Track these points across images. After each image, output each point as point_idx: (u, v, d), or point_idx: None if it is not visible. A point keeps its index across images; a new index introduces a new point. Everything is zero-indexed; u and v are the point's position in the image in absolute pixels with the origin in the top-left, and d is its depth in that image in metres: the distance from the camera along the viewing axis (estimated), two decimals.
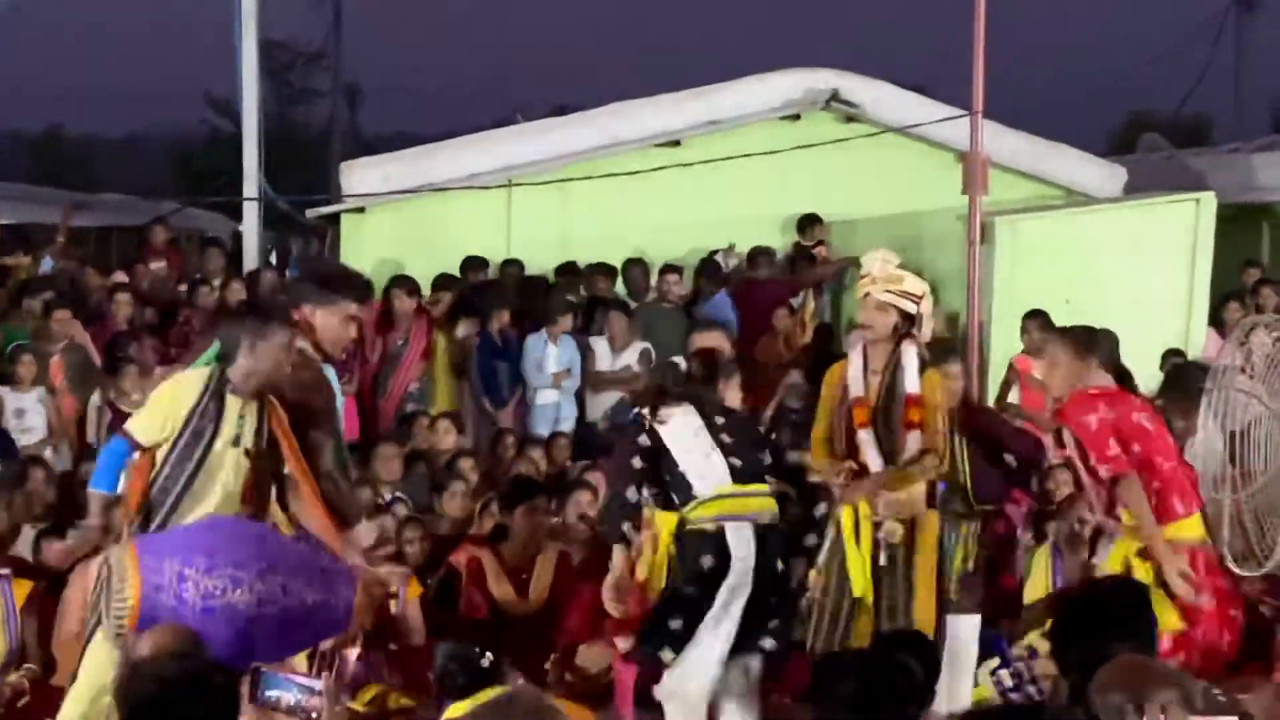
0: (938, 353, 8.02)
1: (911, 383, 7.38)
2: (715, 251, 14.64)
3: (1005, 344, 12.87)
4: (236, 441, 6.60)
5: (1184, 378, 7.44)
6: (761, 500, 7.11)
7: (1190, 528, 6.79)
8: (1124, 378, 7.10)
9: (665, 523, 7.12)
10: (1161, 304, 13.57)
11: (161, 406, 6.65)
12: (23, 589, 8.34)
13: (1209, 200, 14.09)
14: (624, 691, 7.65)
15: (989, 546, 8.23)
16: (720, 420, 7.19)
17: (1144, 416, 6.77)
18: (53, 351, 11.83)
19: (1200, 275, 13.95)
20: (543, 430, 12.56)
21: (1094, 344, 7.15)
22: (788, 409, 12.17)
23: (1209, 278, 14.02)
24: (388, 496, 10.11)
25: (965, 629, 7.82)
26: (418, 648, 8.52)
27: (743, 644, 6.92)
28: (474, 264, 14.13)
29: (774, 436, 8.56)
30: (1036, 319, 12.11)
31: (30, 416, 11.51)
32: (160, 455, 6.58)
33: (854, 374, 7.51)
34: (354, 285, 7.41)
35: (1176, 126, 33.49)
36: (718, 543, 6.95)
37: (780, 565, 7.11)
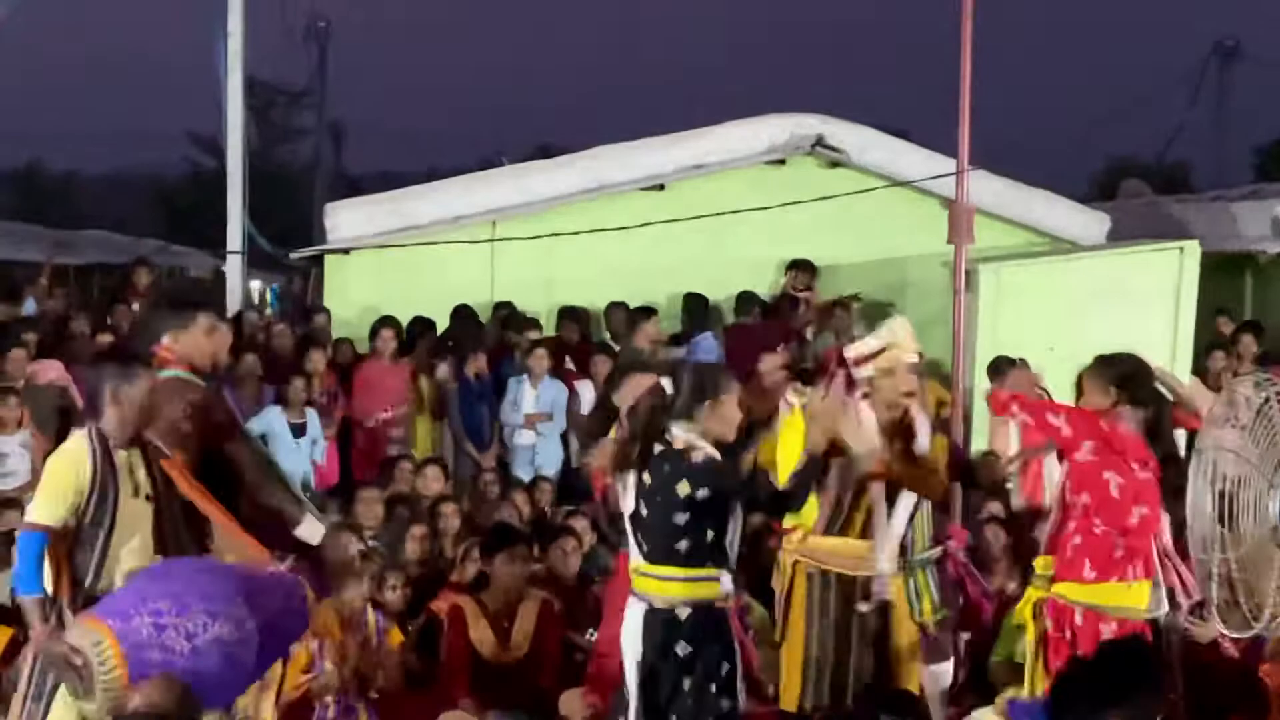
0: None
1: (925, 445, 7.41)
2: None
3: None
4: (136, 491, 6.60)
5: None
6: (666, 584, 6.67)
7: (1096, 594, 6.86)
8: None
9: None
10: (1145, 352, 13.45)
11: (60, 486, 6.59)
12: (1, 636, 8.26)
13: (1193, 249, 14.12)
14: None
15: (946, 590, 8.19)
16: (650, 485, 6.69)
17: (1128, 473, 6.81)
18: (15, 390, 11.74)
19: (1184, 323, 13.97)
20: (521, 472, 12.54)
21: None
22: None
23: (1193, 326, 14.04)
24: (367, 542, 10.03)
25: (941, 677, 7.79)
26: (398, 695, 8.45)
27: None
28: (463, 312, 14.10)
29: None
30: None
31: (11, 460, 11.43)
32: (71, 526, 6.55)
33: (872, 429, 7.44)
34: (202, 298, 7.48)
35: (1158, 173, 33.64)
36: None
37: (686, 650, 6.64)
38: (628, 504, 6.76)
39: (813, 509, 7.49)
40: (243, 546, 6.77)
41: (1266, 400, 4.86)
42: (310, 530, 7.07)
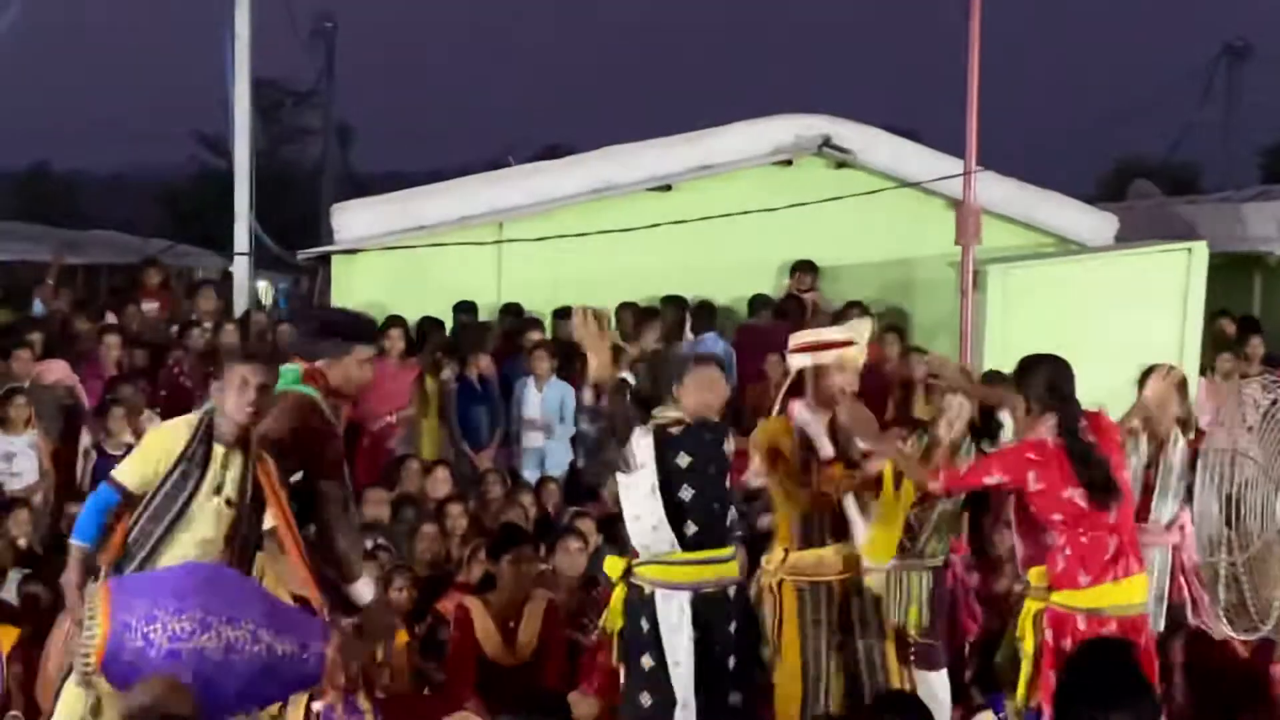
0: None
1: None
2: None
3: None
4: (219, 490, 6.55)
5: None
6: (707, 569, 6.79)
7: (1095, 598, 6.82)
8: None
9: (612, 568, 7.04)
10: (1153, 352, 13.47)
11: (151, 452, 6.61)
12: (8, 635, 8.27)
13: (1201, 249, 14.10)
14: None
15: (943, 598, 8.17)
16: (688, 463, 6.77)
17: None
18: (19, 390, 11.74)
19: (1192, 324, 13.95)
20: (528, 473, 12.52)
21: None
22: None
23: (1201, 327, 14.02)
24: (372, 542, 10.03)
25: (938, 686, 7.79)
26: (404, 695, 8.44)
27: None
28: (464, 308, 14.11)
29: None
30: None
31: (20, 460, 11.44)
32: (143, 500, 6.53)
33: (819, 435, 7.46)
34: (364, 330, 7.50)
35: (1167, 174, 33.57)
36: (650, 608, 6.80)
37: (733, 627, 6.82)
38: (647, 499, 6.72)
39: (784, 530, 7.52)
40: (302, 579, 6.72)
41: (1274, 403, 4.84)
42: (363, 590, 7.02)
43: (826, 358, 7.43)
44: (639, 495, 6.77)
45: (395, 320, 13.28)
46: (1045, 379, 6.85)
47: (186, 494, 6.50)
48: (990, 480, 6.96)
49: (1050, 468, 6.77)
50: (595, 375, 7.06)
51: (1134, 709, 4.38)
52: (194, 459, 6.53)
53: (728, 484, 6.91)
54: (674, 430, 6.74)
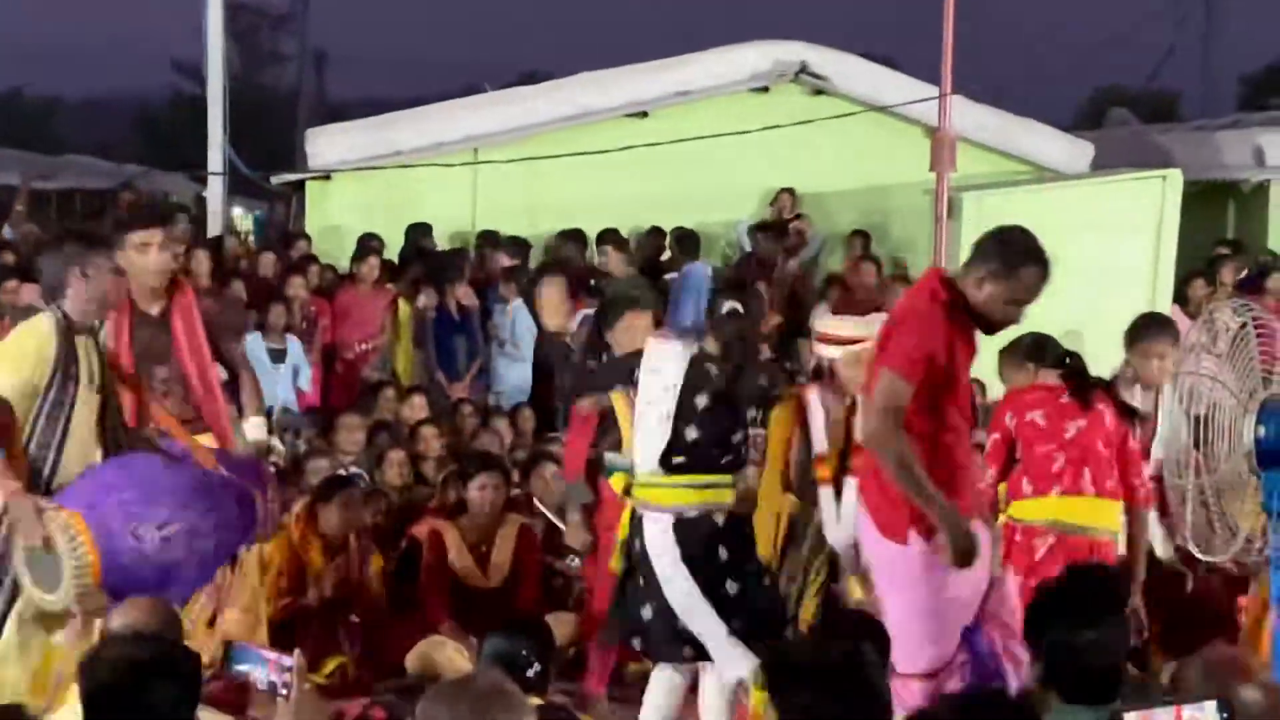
0: None
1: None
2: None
3: None
4: (91, 379, 6.36)
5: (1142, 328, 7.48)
6: (691, 493, 6.56)
7: (1034, 509, 7.01)
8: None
9: (616, 483, 6.88)
10: (1127, 280, 13.61)
11: (21, 352, 6.27)
12: None
13: (1175, 177, 14.15)
14: (601, 673, 7.62)
15: None
16: (713, 375, 6.57)
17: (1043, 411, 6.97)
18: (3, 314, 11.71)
19: (1166, 252, 14.02)
20: (494, 397, 12.56)
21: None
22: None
23: (1175, 254, 14.07)
24: (349, 468, 10.05)
25: None
26: (379, 620, 8.48)
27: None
28: (420, 230, 14.06)
29: None
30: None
31: None
32: (31, 409, 6.24)
33: (818, 428, 7.44)
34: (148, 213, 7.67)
35: (1144, 102, 33.56)
36: (638, 528, 6.65)
37: (726, 554, 6.57)
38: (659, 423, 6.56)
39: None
40: (173, 426, 6.93)
41: (1244, 325, 4.87)
42: (253, 428, 7.42)
43: (854, 351, 7.32)
44: (657, 386, 6.57)
45: (369, 247, 13.24)
46: (1051, 342, 7.07)
47: (71, 392, 6.28)
48: (998, 431, 7.12)
49: (1025, 406, 7.03)
50: (550, 326, 7.03)
51: (1102, 629, 4.42)
52: (69, 357, 6.28)
53: (740, 416, 6.72)
54: (709, 366, 6.57)
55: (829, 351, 7.43)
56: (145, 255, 7.22)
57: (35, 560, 6.03)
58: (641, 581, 6.61)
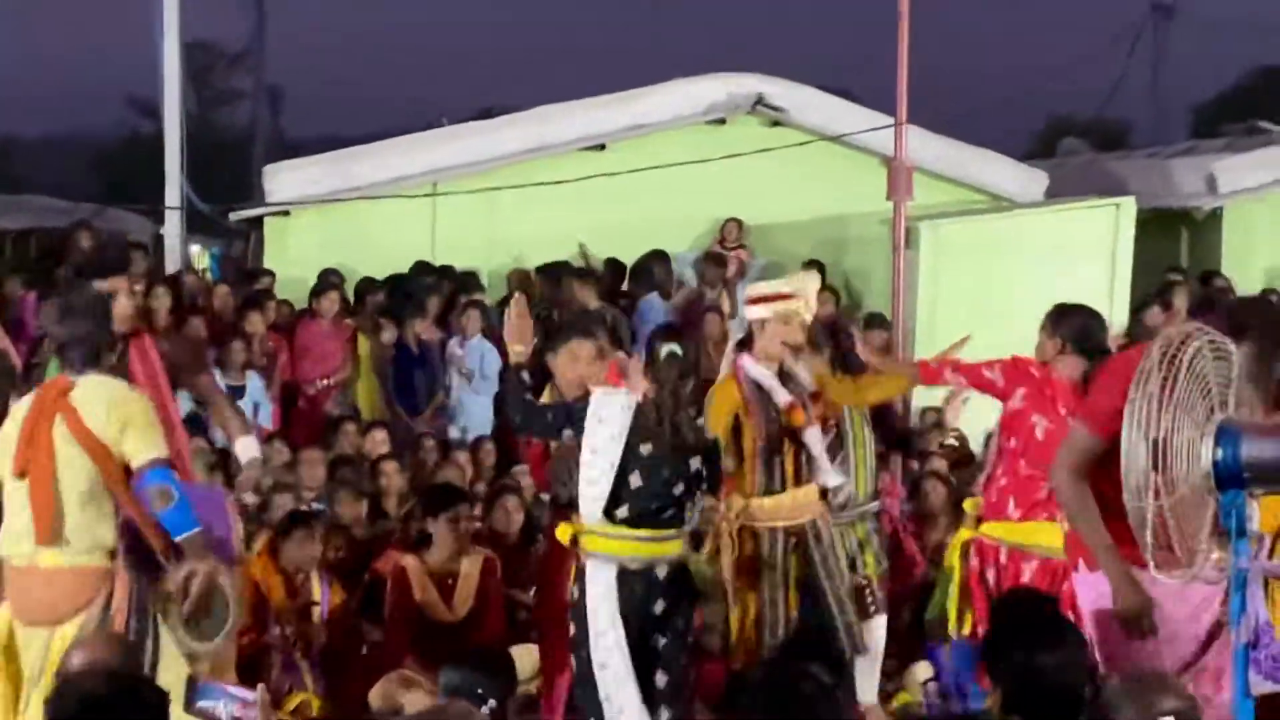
0: None
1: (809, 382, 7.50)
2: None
3: (928, 346, 12.94)
4: None
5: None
6: (636, 545, 6.57)
7: (1021, 533, 7.01)
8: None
9: (562, 534, 6.85)
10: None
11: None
12: None
13: (1129, 205, 14.28)
14: (556, 703, 7.63)
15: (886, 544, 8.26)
16: (649, 450, 6.57)
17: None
18: None
19: (1120, 279, 14.13)
20: (456, 431, 12.58)
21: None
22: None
23: (1129, 281, 14.18)
24: (310, 505, 10.03)
25: (877, 631, 7.85)
26: (341, 655, 8.47)
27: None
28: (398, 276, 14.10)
29: None
30: None
31: None
32: None
33: (771, 384, 7.49)
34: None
35: (1096, 131, 33.79)
36: (580, 576, 6.68)
37: (662, 606, 6.60)
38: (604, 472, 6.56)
39: (746, 478, 7.51)
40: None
41: (1199, 350, 4.93)
42: (245, 450, 7.46)
43: (779, 308, 7.45)
44: (600, 463, 6.57)
45: (329, 282, 13.24)
46: (1099, 332, 7.06)
47: None
48: (988, 374, 7.09)
49: (1040, 393, 6.97)
50: (515, 359, 6.95)
51: (1061, 652, 4.46)
52: None
53: (684, 467, 6.67)
54: (652, 415, 6.58)
55: (759, 312, 7.52)
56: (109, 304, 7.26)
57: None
58: (573, 629, 6.65)
